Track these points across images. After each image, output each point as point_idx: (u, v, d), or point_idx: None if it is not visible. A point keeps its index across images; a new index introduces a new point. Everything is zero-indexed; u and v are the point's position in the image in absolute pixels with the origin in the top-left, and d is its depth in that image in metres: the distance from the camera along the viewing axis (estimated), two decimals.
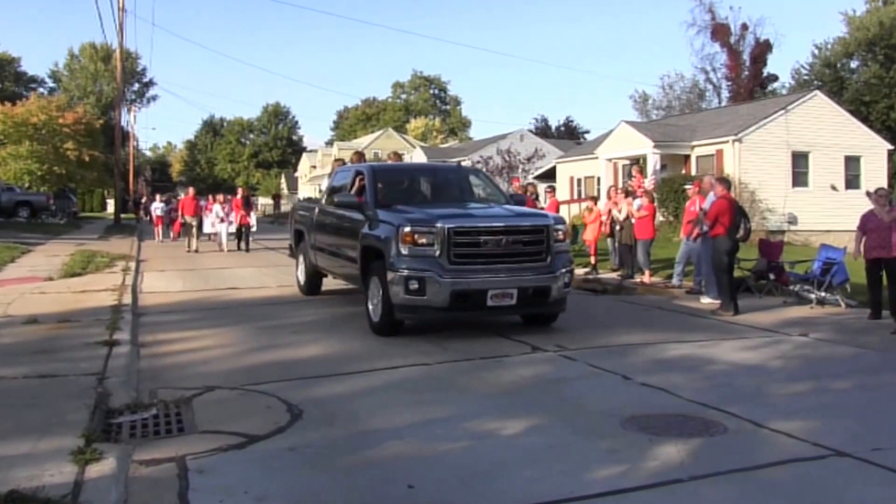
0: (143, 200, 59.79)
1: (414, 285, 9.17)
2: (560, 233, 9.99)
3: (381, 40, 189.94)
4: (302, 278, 14.18)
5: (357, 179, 11.77)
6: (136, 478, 4.94)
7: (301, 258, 14.22)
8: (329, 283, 13.77)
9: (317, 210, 13.24)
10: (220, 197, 28.26)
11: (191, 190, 28.53)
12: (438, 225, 9.29)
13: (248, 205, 26.96)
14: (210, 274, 17.84)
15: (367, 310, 10.24)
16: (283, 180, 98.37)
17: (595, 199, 20.41)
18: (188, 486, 4.81)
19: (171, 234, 31.73)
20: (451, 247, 9.24)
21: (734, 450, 5.52)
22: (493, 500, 4.66)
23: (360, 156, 16.23)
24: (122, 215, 48.64)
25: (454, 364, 8.21)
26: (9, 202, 41.26)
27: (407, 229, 9.35)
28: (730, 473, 5.02)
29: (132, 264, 18.91)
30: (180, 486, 4.82)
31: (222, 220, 26.13)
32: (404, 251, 9.33)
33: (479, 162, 32.81)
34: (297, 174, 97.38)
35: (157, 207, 32.81)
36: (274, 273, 17.77)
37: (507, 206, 11.10)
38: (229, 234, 26.32)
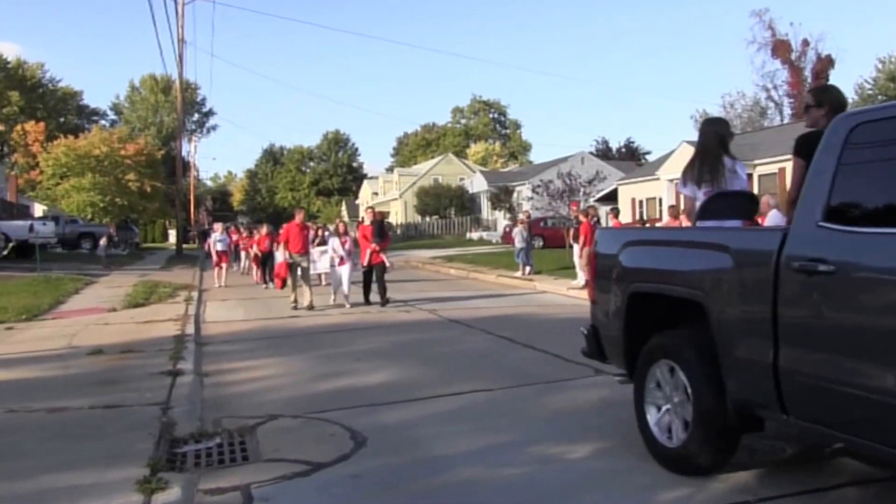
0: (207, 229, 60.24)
1: None
2: None
3: (440, 65, 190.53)
4: (703, 431, 5.01)
5: None
6: None
7: (701, 379, 5.01)
8: None
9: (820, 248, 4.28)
10: (341, 226, 18.98)
11: (299, 215, 17.75)
12: None
13: (382, 234, 17.46)
14: (272, 302, 18.03)
15: None
16: (343, 208, 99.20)
17: (655, 221, 20.18)
18: None
19: (259, 278, 24.11)
20: None
21: (801, 470, 5.36)
22: None
23: None
24: (184, 245, 49.50)
25: (516, 389, 8.13)
26: (72, 234, 42.35)
27: None
28: (798, 496, 4.84)
29: (194, 294, 19.20)
30: None
31: (342, 261, 17.19)
32: None
33: (539, 186, 32.45)
34: (357, 201, 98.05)
35: (219, 241, 24.48)
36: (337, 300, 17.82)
37: None
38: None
